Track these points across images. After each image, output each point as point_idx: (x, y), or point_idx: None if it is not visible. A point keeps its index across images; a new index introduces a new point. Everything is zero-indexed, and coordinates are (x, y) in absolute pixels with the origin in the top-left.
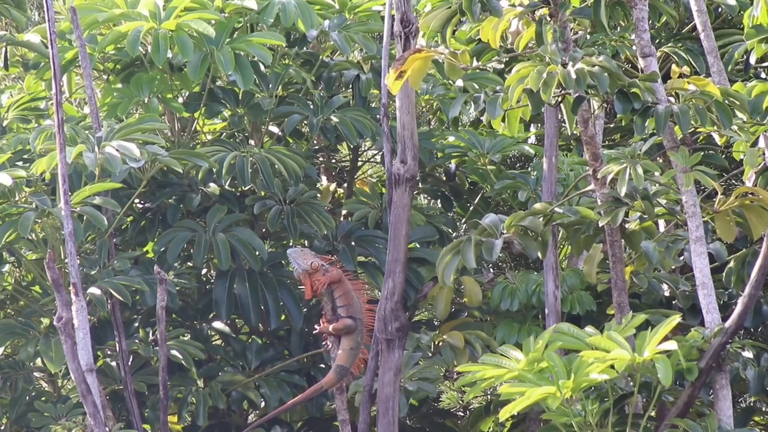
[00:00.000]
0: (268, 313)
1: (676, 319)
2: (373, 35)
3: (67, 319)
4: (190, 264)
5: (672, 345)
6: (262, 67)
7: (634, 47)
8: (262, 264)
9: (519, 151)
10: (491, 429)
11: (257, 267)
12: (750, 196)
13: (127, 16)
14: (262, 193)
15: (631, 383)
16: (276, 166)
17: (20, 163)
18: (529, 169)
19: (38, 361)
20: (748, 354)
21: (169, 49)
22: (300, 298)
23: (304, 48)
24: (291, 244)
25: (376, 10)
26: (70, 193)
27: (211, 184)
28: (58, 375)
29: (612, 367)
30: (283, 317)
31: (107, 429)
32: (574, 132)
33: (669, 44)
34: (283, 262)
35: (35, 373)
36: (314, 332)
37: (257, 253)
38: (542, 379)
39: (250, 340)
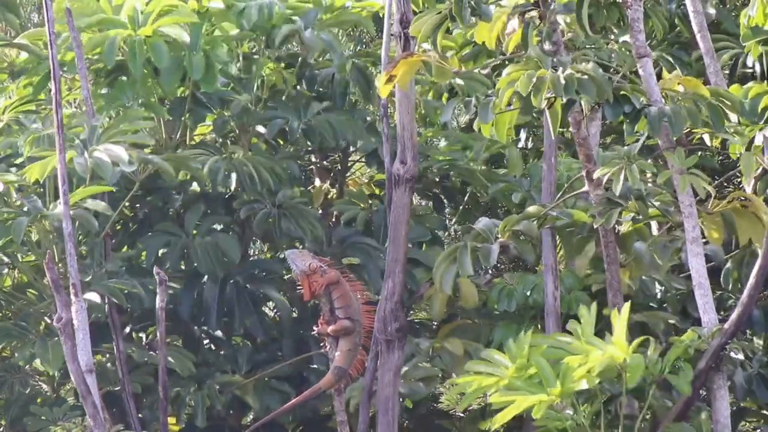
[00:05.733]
0: (233, 320)
1: (626, 308)
2: (353, 34)
3: (66, 319)
4: (182, 267)
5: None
6: (235, 69)
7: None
8: (234, 271)
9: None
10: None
11: (221, 273)
12: (743, 201)
13: (108, 23)
14: (246, 197)
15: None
16: (252, 174)
17: (13, 169)
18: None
19: (36, 363)
20: (739, 356)
21: (147, 55)
22: (287, 305)
23: (294, 49)
24: (283, 248)
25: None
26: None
27: (194, 184)
28: (55, 377)
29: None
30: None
31: (107, 430)
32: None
33: (656, 50)
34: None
35: (36, 375)
36: (312, 333)
37: (225, 259)
38: (532, 386)
39: (241, 344)
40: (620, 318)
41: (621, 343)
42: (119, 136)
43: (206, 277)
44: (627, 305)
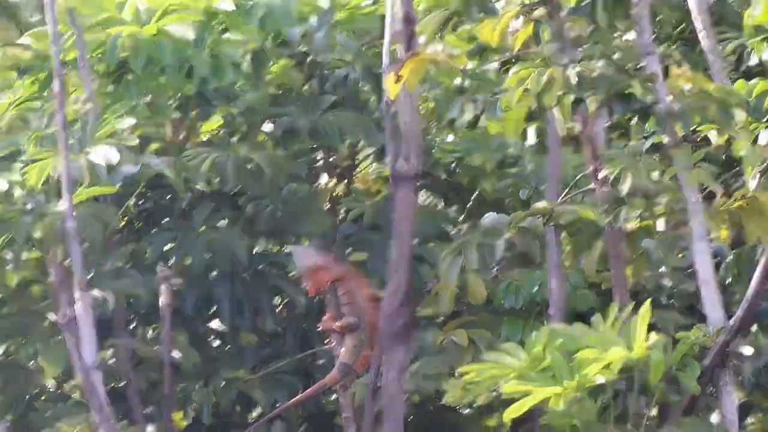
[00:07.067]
0: (242, 315)
1: (647, 306)
2: (365, 32)
3: (71, 316)
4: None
5: (653, 338)
6: (244, 67)
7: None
8: (246, 266)
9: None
10: (496, 425)
11: (227, 269)
12: (750, 199)
13: (112, 21)
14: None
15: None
16: (257, 170)
17: (19, 165)
18: (528, 167)
19: (40, 360)
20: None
21: (150, 53)
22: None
23: (303, 48)
24: (291, 244)
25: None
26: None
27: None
28: (60, 374)
29: (609, 366)
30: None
31: (112, 426)
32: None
33: (662, 46)
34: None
35: (39, 372)
36: (318, 330)
37: (234, 255)
38: (545, 378)
39: (247, 340)
40: (642, 316)
41: (641, 340)
42: (109, 136)
43: (215, 273)
44: (647, 303)
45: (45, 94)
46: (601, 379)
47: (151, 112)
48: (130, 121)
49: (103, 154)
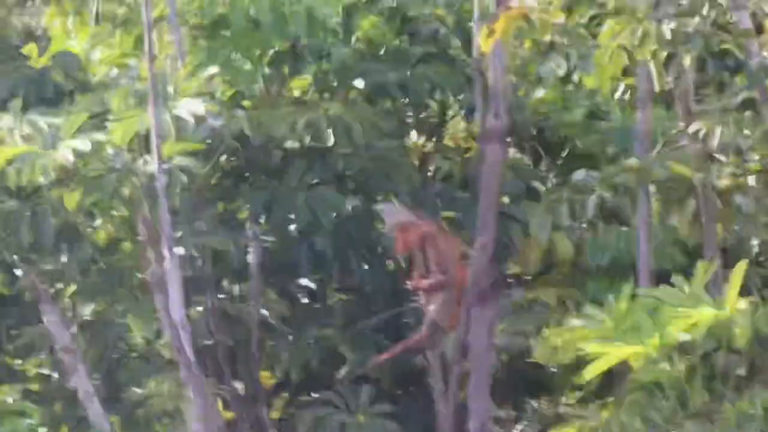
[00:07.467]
0: (349, 271)
1: (742, 267)
2: None
3: (160, 274)
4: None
5: (741, 303)
6: (336, 22)
7: None
8: (344, 222)
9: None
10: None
11: (330, 226)
12: None
13: None
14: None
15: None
16: (348, 128)
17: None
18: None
19: (130, 318)
20: None
21: (248, 7)
22: (384, 256)
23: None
24: (378, 200)
25: None
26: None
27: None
28: (148, 333)
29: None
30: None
31: (200, 384)
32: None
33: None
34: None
35: (128, 331)
36: (407, 288)
37: (334, 212)
38: (629, 338)
39: (336, 298)
40: (736, 275)
41: (732, 299)
42: (196, 89)
43: (306, 231)
44: (743, 264)
45: (138, 50)
46: (684, 337)
47: (244, 67)
48: (212, 71)
49: (189, 108)
